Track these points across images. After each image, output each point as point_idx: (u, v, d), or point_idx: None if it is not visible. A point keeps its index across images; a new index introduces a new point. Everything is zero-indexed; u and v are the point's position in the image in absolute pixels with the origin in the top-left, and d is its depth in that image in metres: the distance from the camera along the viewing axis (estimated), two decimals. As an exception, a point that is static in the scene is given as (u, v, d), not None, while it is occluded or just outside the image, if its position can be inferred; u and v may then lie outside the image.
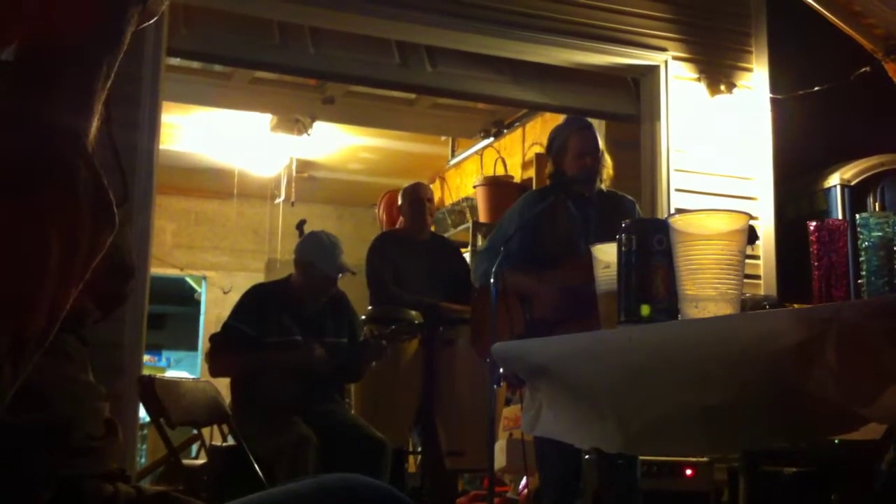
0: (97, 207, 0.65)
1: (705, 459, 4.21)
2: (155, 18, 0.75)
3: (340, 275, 4.62)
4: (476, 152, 8.82)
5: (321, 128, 8.24)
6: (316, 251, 4.60)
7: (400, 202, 5.83)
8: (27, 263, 0.61)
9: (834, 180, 5.97)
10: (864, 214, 2.01)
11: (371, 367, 4.70)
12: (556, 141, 4.13)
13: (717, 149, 5.71)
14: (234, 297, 4.78)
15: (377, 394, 5.08)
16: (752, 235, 2.10)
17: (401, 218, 5.97)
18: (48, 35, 0.65)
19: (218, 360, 4.52)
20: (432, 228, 6.19)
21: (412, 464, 5.82)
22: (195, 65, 6.59)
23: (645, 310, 2.09)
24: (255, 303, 4.54)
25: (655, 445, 2.41)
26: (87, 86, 0.66)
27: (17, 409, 1.18)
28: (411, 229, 5.67)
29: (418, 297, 5.18)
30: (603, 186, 4.13)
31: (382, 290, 5.42)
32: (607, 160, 4.14)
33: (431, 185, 9.98)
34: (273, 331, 4.41)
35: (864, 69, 5.76)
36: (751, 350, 1.67)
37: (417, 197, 5.69)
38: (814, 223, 2.10)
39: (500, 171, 8.27)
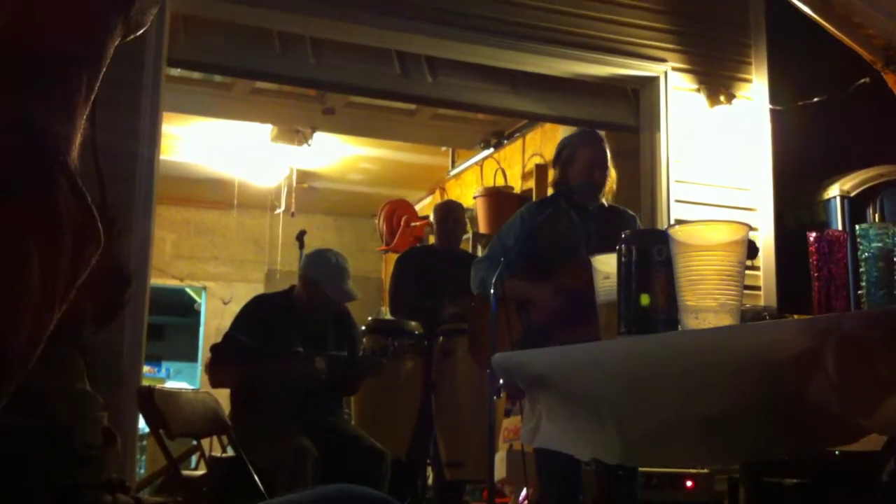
0: (80, 223, 0.64)
1: (706, 470, 4.20)
2: (142, 30, 0.74)
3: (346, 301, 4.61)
4: (476, 163, 8.83)
5: (321, 138, 8.25)
6: (323, 272, 4.52)
7: (432, 218, 5.84)
8: (6, 282, 0.60)
9: (833, 191, 5.97)
10: (863, 225, 2.00)
11: (367, 380, 4.69)
12: (566, 150, 4.11)
13: (716, 160, 5.71)
14: (234, 308, 4.78)
15: (377, 404, 5.07)
16: (752, 250, 2.10)
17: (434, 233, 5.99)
18: (25, 48, 0.64)
19: (218, 371, 4.51)
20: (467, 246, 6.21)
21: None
22: (196, 75, 6.61)
23: (644, 299, 2.08)
24: (256, 313, 4.53)
25: (655, 456, 2.40)
26: (68, 100, 0.65)
27: (19, 417, 1.18)
28: (444, 245, 5.69)
29: (427, 302, 5.20)
30: (605, 201, 4.12)
31: (396, 298, 5.50)
32: (612, 174, 4.13)
33: (431, 196, 10.03)
34: (274, 342, 4.40)
35: (863, 80, 5.76)
36: (751, 361, 1.67)
37: (446, 215, 5.71)
38: (813, 234, 2.10)
39: (501, 182, 8.27)
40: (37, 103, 0.63)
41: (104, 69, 0.68)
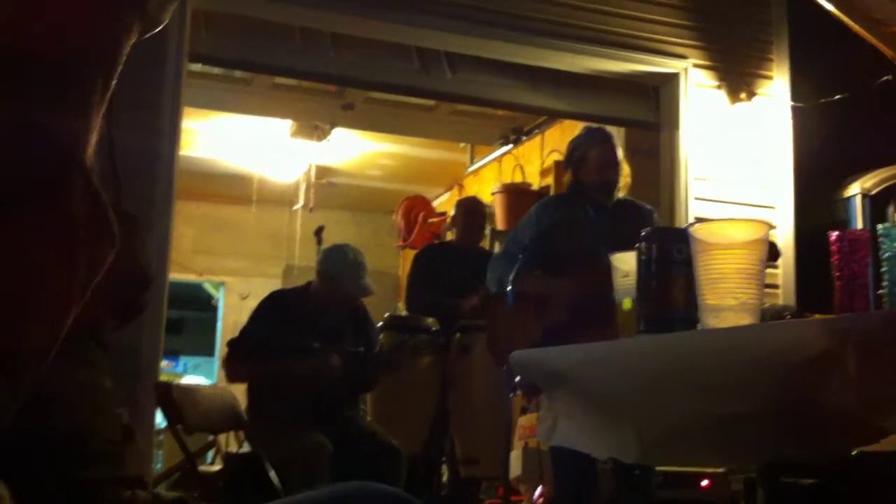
0: (96, 224, 0.64)
1: (722, 470, 4.18)
2: (161, 26, 0.73)
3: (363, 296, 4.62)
4: (495, 159, 8.82)
5: (340, 134, 8.26)
6: (340, 267, 4.52)
7: (454, 213, 5.82)
8: (22, 286, 0.60)
9: (854, 189, 5.94)
10: (885, 225, 1.99)
11: (384, 377, 4.70)
12: (576, 152, 4.10)
13: (736, 157, 5.68)
14: (252, 303, 4.78)
15: (393, 401, 5.08)
16: (773, 253, 2.08)
17: (454, 228, 5.97)
18: (38, 51, 0.63)
19: (235, 366, 4.52)
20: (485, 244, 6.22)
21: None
22: (216, 71, 6.63)
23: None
24: (273, 309, 4.54)
25: (673, 456, 2.39)
26: (82, 100, 0.64)
27: (41, 416, 1.19)
28: (464, 241, 5.67)
29: (444, 299, 5.19)
30: (620, 195, 4.10)
31: (412, 296, 5.49)
32: (625, 169, 4.11)
33: (449, 193, 10.03)
34: (291, 337, 4.41)
35: (885, 77, 5.72)
36: (771, 360, 1.66)
37: (471, 211, 5.69)
38: (835, 233, 2.09)
39: (519, 179, 8.26)
40: (51, 106, 0.63)
41: (120, 68, 0.68)
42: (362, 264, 4.56)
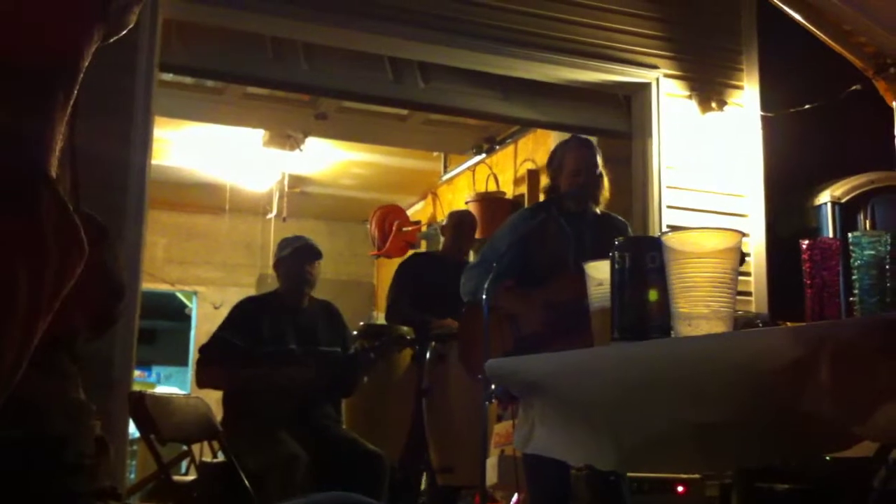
0: (63, 235, 0.63)
1: (697, 476, 4.19)
2: (126, 29, 0.73)
3: (311, 259, 4.66)
4: (468, 168, 8.82)
5: (313, 143, 8.24)
6: (282, 246, 4.76)
7: (444, 223, 5.86)
8: None
9: (825, 198, 5.99)
10: (856, 233, 2.01)
11: (363, 382, 4.70)
12: (556, 158, 4.15)
13: (708, 166, 5.72)
14: (225, 313, 4.77)
15: (370, 409, 5.07)
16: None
17: (442, 238, 6.02)
18: (4, 62, 0.62)
19: (206, 372, 4.51)
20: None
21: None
22: (187, 80, 6.59)
23: (653, 295, 2.08)
24: (245, 314, 4.54)
25: (650, 463, 2.40)
26: (47, 110, 0.64)
27: (15, 426, 1.18)
28: (450, 252, 5.70)
29: (421, 315, 5.19)
30: (598, 209, 4.10)
31: (393, 307, 5.50)
32: (605, 183, 4.10)
33: (423, 202, 10.03)
34: (266, 341, 4.41)
35: (854, 87, 5.78)
36: (745, 368, 1.67)
37: (461, 222, 5.75)
38: (806, 242, 2.10)
39: (492, 187, 8.27)
40: (17, 116, 0.62)
41: (81, 76, 0.67)
42: (303, 236, 4.79)
